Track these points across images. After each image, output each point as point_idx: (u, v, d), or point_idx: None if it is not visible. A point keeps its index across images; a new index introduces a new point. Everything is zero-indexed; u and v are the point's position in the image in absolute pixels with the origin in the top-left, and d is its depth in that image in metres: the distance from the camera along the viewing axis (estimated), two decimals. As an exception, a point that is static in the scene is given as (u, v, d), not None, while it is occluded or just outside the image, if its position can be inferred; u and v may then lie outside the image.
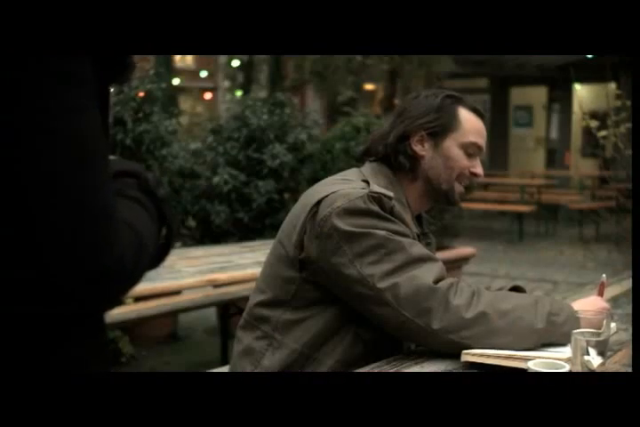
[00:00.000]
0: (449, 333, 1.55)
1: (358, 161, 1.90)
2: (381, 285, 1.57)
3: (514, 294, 1.70)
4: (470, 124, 1.82)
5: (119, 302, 0.80)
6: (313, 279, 1.67)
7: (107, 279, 0.71)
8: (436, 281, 1.58)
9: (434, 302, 1.55)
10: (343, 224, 1.60)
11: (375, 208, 1.62)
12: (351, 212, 1.61)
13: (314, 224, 1.64)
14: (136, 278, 0.78)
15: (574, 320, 1.60)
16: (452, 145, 1.79)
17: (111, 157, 0.85)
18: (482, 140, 1.84)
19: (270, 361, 1.69)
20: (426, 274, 1.58)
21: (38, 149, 0.67)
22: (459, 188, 1.83)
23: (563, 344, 1.56)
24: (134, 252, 0.75)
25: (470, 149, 1.81)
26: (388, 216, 1.64)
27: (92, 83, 0.73)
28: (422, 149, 1.80)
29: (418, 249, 1.63)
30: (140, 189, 0.86)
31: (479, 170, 1.83)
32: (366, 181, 1.71)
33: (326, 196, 1.65)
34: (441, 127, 1.79)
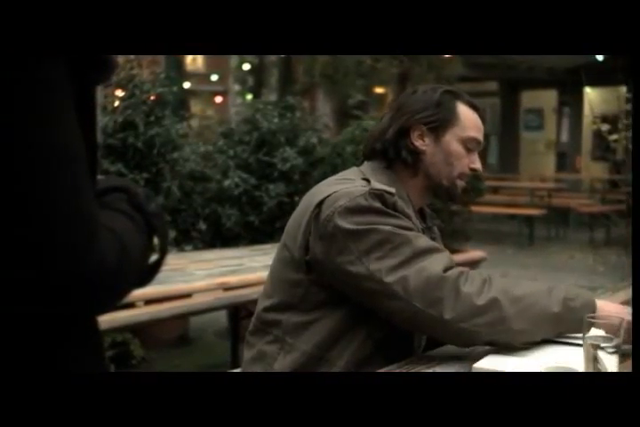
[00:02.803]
0: (461, 321, 1.54)
1: (360, 160, 1.89)
2: (390, 278, 1.56)
3: (527, 281, 1.69)
4: (469, 119, 1.82)
5: (106, 307, 0.80)
6: (320, 281, 1.67)
7: (86, 280, 0.72)
8: (445, 270, 1.57)
9: (444, 291, 1.54)
10: (346, 223, 1.59)
11: (377, 205, 1.62)
12: (353, 210, 1.61)
13: (317, 225, 1.63)
14: (122, 284, 0.79)
15: (592, 306, 1.60)
16: (452, 140, 1.80)
17: (100, 177, 0.88)
18: (481, 135, 1.84)
19: (281, 364, 1.68)
20: (434, 264, 1.58)
21: (15, 156, 0.68)
22: (460, 183, 1.84)
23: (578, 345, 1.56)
24: (117, 257, 0.75)
25: (470, 144, 1.82)
26: (391, 212, 1.64)
27: (68, 88, 0.73)
28: (423, 143, 1.80)
29: (424, 241, 1.63)
30: (130, 203, 0.87)
31: (478, 165, 1.84)
32: (366, 180, 1.71)
33: (328, 196, 1.65)
34: (441, 122, 1.79)
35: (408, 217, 1.69)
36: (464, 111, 1.82)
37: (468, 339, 1.57)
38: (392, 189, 1.67)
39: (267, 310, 1.75)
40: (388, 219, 1.62)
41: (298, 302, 1.69)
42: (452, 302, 1.54)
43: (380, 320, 1.66)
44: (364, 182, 1.70)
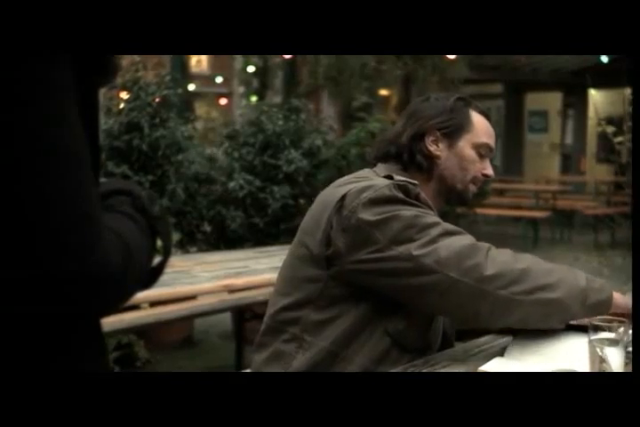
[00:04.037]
0: (500, 288, 1.53)
1: (373, 165, 1.90)
2: (420, 252, 1.55)
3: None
4: (481, 125, 1.86)
5: (110, 309, 0.81)
6: (339, 276, 1.65)
7: (89, 280, 0.72)
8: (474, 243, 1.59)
9: (479, 257, 1.54)
10: (370, 215, 1.59)
11: (400, 195, 1.63)
12: (377, 201, 1.61)
13: (340, 218, 1.63)
14: (126, 286, 0.79)
15: (608, 289, 1.62)
16: (465, 145, 1.83)
17: (103, 180, 0.88)
18: (493, 141, 1.88)
19: (300, 362, 1.67)
20: (462, 240, 1.58)
21: (20, 155, 0.68)
22: (473, 188, 1.86)
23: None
24: (121, 258, 0.75)
25: (482, 150, 1.85)
26: (414, 202, 1.64)
27: (72, 89, 0.73)
28: (437, 149, 1.82)
29: (448, 224, 1.64)
30: (133, 206, 0.87)
31: (490, 171, 1.87)
32: (388, 176, 1.71)
33: (350, 190, 1.65)
34: (455, 127, 1.82)
35: (431, 208, 1.69)
36: (477, 118, 1.86)
37: (504, 309, 1.55)
38: (415, 182, 1.69)
39: (283, 309, 1.73)
40: (411, 207, 1.62)
41: (316, 298, 1.68)
42: (488, 265, 1.54)
43: (398, 316, 1.66)
44: (386, 178, 1.70)
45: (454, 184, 1.83)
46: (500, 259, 1.56)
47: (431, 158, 1.81)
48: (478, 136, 1.84)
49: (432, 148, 1.81)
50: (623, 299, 1.65)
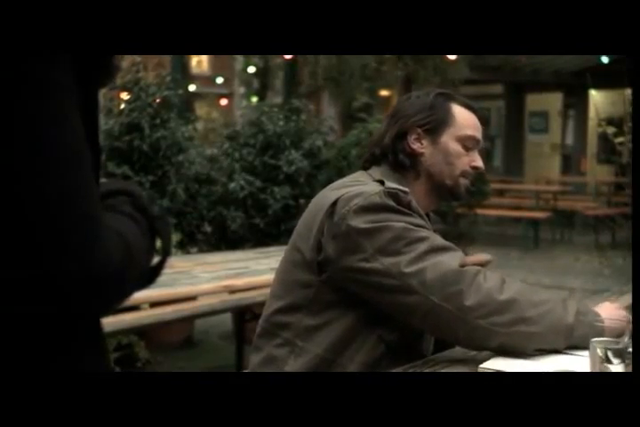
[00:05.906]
0: (479, 318, 1.52)
1: (365, 168, 1.89)
2: (407, 270, 1.55)
3: (541, 289, 1.69)
4: (464, 118, 1.84)
5: (109, 308, 0.81)
6: (331, 282, 1.66)
7: (90, 280, 0.72)
8: (462, 266, 1.57)
9: (463, 284, 1.53)
10: (360, 222, 1.59)
11: (391, 203, 1.62)
12: (367, 208, 1.61)
13: (331, 224, 1.63)
14: (126, 285, 0.79)
15: (600, 321, 1.59)
16: (449, 140, 1.81)
17: (104, 180, 0.88)
18: (478, 133, 1.85)
19: (292, 368, 1.66)
20: (451, 260, 1.57)
21: (20, 155, 0.68)
22: (464, 182, 1.84)
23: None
24: (122, 258, 0.75)
25: (468, 143, 1.83)
26: (405, 210, 1.63)
27: (73, 89, 0.73)
28: (421, 146, 1.80)
29: (438, 239, 1.63)
30: (134, 206, 0.87)
31: (479, 163, 1.84)
32: (380, 181, 1.71)
33: (342, 195, 1.65)
34: (436, 123, 1.81)
35: (422, 216, 1.68)
36: (459, 111, 1.84)
37: (482, 338, 1.55)
38: (406, 189, 1.68)
39: (276, 312, 1.73)
40: (402, 216, 1.62)
41: (308, 303, 1.68)
42: (472, 294, 1.53)
43: (391, 323, 1.66)
44: (378, 183, 1.70)
45: (443, 180, 1.81)
46: (485, 287, 1.54)
47: (415, 156, 1.80)
48: (461, 129, 1.82)
49: (415, 146, 1.80)
50: (616, 324, 1.62)
